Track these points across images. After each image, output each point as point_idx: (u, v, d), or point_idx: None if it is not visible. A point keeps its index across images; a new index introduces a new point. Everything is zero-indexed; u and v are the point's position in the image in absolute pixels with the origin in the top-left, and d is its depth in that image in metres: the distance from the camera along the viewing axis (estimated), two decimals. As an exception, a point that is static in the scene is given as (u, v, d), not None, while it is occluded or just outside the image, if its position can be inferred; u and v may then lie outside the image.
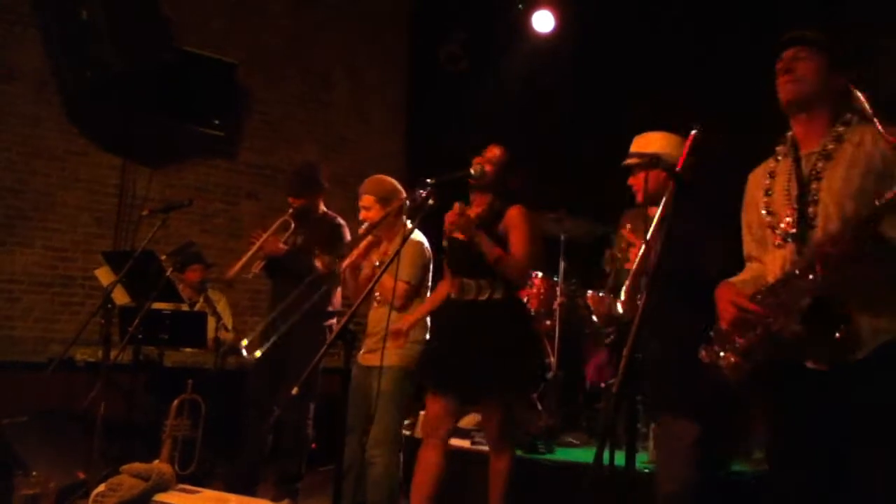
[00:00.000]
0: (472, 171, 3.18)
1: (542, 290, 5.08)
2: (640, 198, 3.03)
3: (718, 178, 2.71)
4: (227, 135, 6.62)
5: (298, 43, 7.19)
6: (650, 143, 3.06)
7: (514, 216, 3.39)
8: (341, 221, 4.60)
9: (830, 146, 2.22)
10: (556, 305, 4.98)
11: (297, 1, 7.20)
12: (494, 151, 3.52)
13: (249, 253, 4.49)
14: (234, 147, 6.86)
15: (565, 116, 6.60)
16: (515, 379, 3.45)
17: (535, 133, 6.58)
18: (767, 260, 2.32)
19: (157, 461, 2.07)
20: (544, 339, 5.07)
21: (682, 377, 2.64)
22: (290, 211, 4.56)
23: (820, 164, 2.21)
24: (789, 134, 2.35)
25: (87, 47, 5.45)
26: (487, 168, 3.40)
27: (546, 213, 5.06)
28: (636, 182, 3.05)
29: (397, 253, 3.20)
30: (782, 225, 2.24)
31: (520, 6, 6.66)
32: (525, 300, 5.12)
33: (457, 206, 3.36)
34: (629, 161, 3.07)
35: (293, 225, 4.58)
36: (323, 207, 4.68)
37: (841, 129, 2.22)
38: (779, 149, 2.38)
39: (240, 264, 4.46)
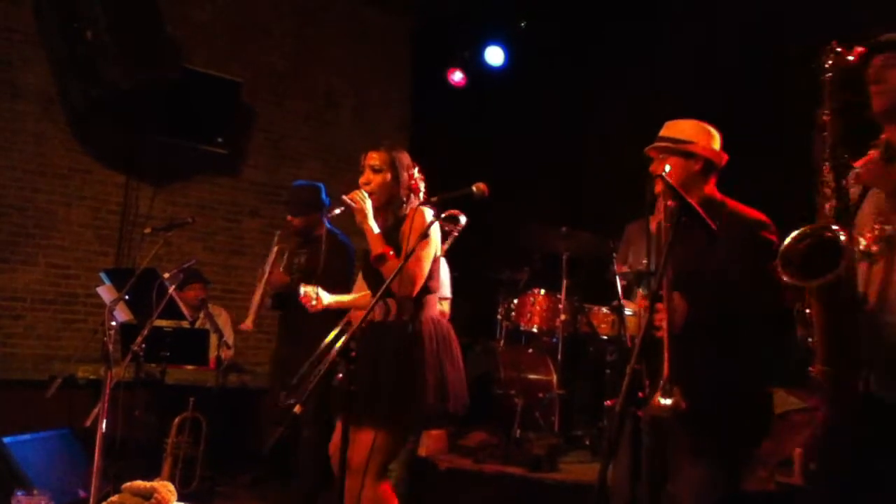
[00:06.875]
0: (472, 190, 2.78)
1: (544, 307, 5.07)
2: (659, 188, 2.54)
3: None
4: (231, 153, 6.65)
5: (302, 61, 7.23)
6: (682, 129, 2.71)
7: (414, 215, 2.97)
8: (345, 241, 4.44)
9: None
10: (558, 322, 4.96)
11: (302, 19, 7.24)
12: (374, 157, 3.09)
13: (257, 300, 4.45)
14: (238, 165, 6.89)
15: (567, 134, 6.62)
16: (392, 407, 2.91)
17: (537, 150, 6.61)
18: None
19: (158, 479, 2.06)
20: (546, 357, 5.06)
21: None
22: (279, 233, 4.54)
23: None
24: (884, 137, 2.06)
25: (92, 66, 5.48)
26: (374, 178, 3.06)
27: (549, 230, 5.05)
28: (658, 170, 2.60)
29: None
30: (863, 242, 2.03)
31: (521, 24, 6.72)
32: (528, 317, 5.11)
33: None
34: (657, 145, 2.69)
35: (294, 244, 4.54)
36: (327, 226, 4.52)
37: None
38: (872, 153, 2.06)
39: (253, 314, 4.44)
